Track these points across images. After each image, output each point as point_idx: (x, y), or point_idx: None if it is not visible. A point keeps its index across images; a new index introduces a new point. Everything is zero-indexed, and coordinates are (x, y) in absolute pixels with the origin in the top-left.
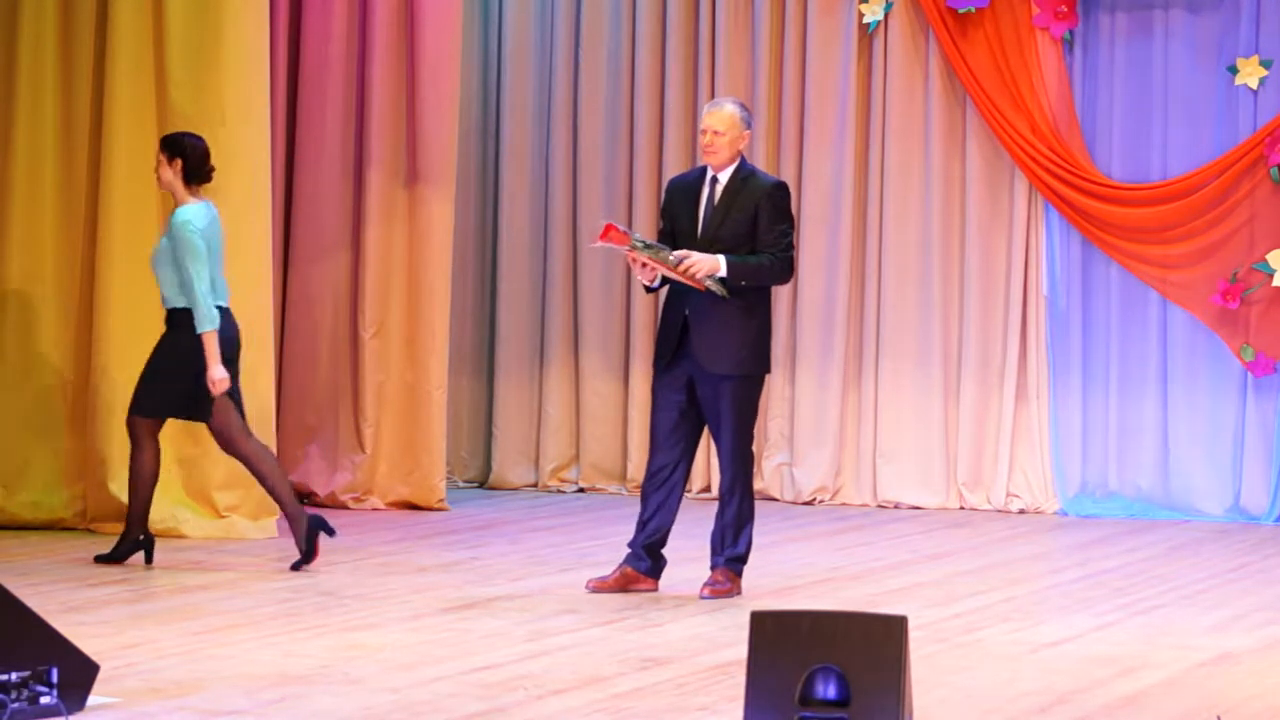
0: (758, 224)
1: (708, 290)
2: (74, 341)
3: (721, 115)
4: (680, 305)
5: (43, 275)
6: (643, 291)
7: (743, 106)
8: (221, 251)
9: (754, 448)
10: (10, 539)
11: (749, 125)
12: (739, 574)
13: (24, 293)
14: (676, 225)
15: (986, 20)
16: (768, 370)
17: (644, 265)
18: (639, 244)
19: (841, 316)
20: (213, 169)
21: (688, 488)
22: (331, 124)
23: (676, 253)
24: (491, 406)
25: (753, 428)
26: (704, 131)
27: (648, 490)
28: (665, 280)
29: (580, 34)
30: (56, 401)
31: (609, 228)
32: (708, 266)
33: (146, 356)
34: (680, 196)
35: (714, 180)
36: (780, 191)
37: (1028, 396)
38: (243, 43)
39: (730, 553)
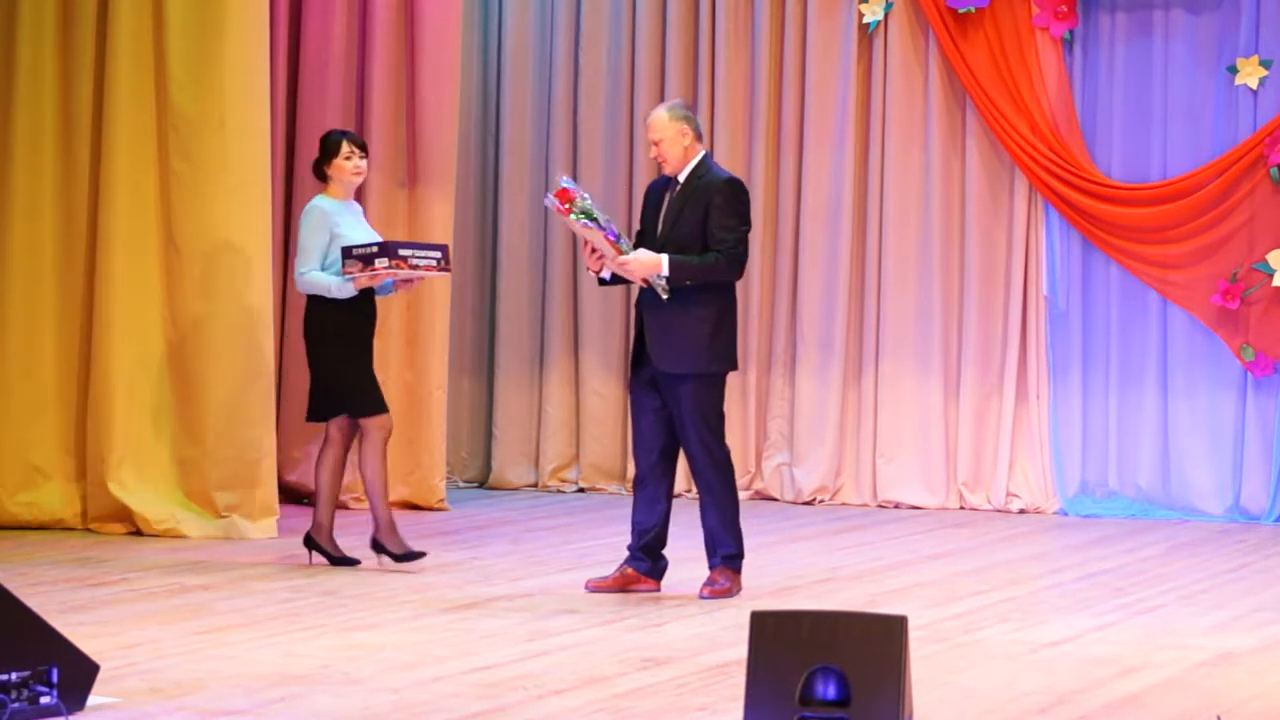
0: (708, 221)
1: (651, 287)
2: (74, 342)
3: (653, 124)
4: (640, 305)
5: (43, 275)
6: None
7: (676, 105)
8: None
9: (752, 447)
10: (10, 539)
11: (687, 119)
12: (738, 570)
13: (24, 293)
14: (646, 228)
15: (986, 20)
16: (730, 368)
17: (593, 251)
18: (580, 210)
19: (841, 316)
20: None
21: (687, 487)
22: (331, 124)
23: (623, 255)
24: (491, 407)
25: (719, 426)
26: (648, 146)
27: (635, 492)
28: (615, 277)
29: (580, 34)
30: (57, 401)
31: (562, 192)
32: (645, 268)
33: (147, 357)
34: (649, 201)
35: (674, 182)
36: (731, 187)
37: (1028, 396)
38: (243, 43)
39: (724, 552)
